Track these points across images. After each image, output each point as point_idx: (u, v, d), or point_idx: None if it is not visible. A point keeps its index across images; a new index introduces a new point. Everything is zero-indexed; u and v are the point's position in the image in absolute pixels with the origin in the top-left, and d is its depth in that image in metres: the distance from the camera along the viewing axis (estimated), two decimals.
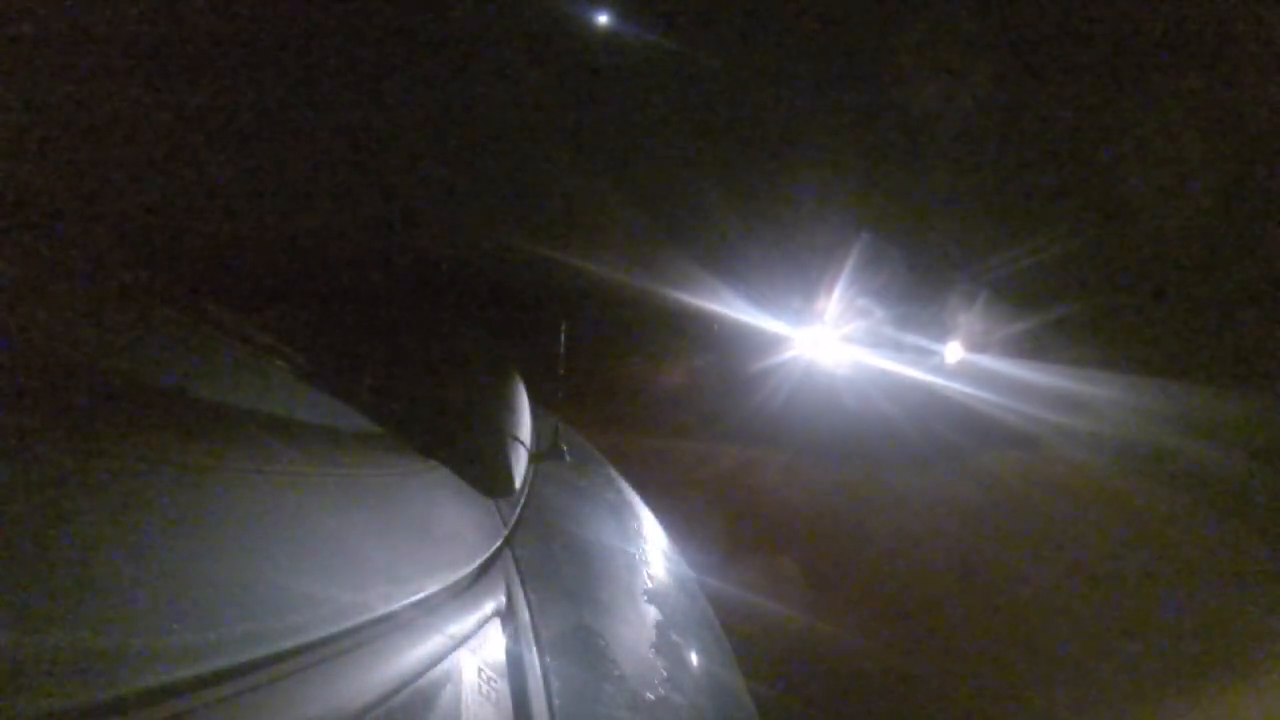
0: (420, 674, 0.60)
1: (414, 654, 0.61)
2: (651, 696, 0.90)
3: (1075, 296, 6.92)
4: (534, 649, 0.76)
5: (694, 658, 1.04)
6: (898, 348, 7.15)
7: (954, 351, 7.27)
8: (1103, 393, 6.36)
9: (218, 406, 0.81)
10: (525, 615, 0.80)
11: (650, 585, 1.13)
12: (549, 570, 0.96)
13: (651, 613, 1.07)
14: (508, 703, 0.68)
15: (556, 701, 0.72)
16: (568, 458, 1.41)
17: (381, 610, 0.61)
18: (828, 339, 7.43)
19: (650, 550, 1.24)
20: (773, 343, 7.56)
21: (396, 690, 0.57)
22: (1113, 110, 6.30)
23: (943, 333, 7.24)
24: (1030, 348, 6.96)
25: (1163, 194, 6.40)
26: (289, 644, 0.52)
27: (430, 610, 0.67)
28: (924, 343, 7.18)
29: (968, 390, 6.73)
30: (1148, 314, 6.89)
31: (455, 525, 0.87)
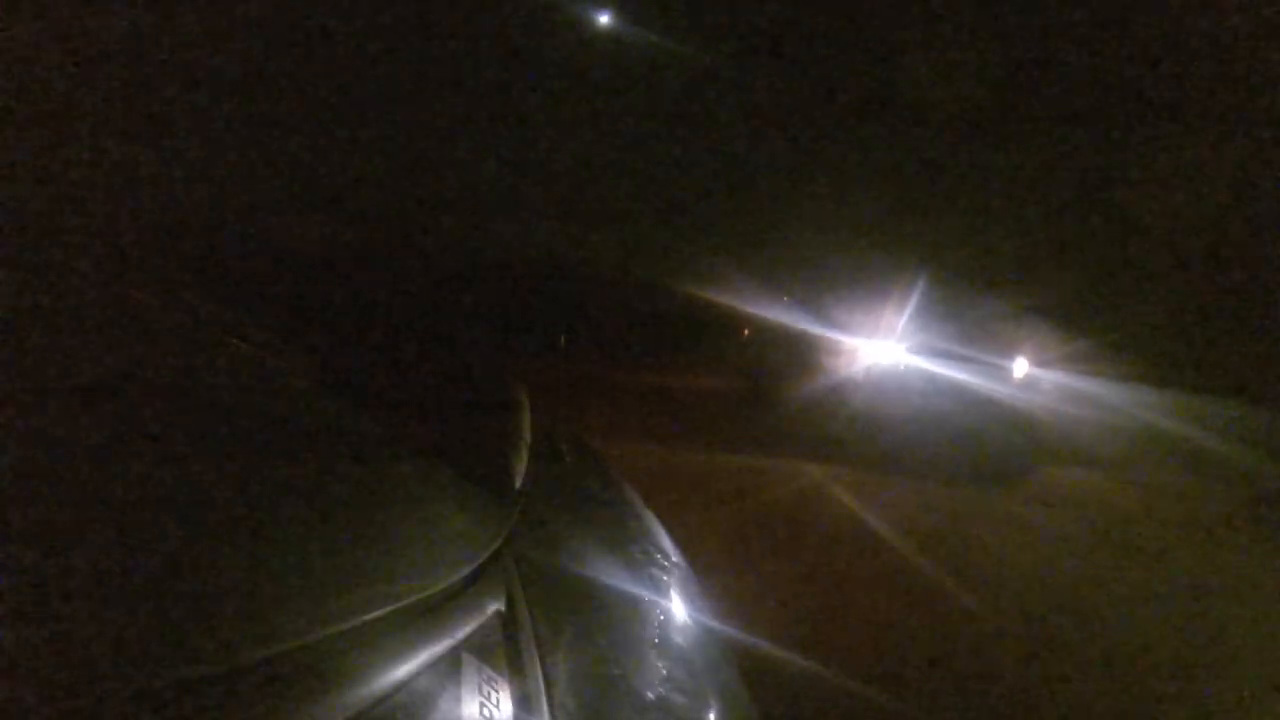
0: (420, 674, 0.60)
1: (414, 654, 0.61)
2: (652, 696, 0.90)
3: (1139, 317, 6.87)
4: (534, 649, 0.76)
5: (695, 657, 1.04)
6: (965, 361, 7.02)
7: (1020, 366, 7.17)
8: (1166, 409, 6.18)
9: (217, 406, 0.81)
10: (525, 615, 0.80)
11: (651, 585, 1.13)
12: (549, 570, 0.96)
13: (653, 612, 1.06)
14: (508, 703, 0.68)
15: (557, 702, 0.72)
16: (568, 459, 1.41)
17: (380, 610, 0.61)
18: (896, 352, 7.28)
19: (651, 550, 1.24)
20: (842, 355, 7.37)
21: (396, 690, 0.57)
22: (1179, 155, 6.33)
23: (1009, 348, 7.12)
24: (1094, 364, 6.85)
25: (1225, 221, 6.39)
26: (288, 644, 0.52)
27: (430, 610, 0.67)
28: (991, 357, 7.05)
29: (1033, 404, 6.61)
30: (1215, 335, 6.78)
31: (455, 525, 0.87)
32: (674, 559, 1.23)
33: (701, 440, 5.40)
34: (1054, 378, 6.84)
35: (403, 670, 0.58)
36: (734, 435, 5.74)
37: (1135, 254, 6.86)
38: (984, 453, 5.71)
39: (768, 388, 7.08)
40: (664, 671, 0.96)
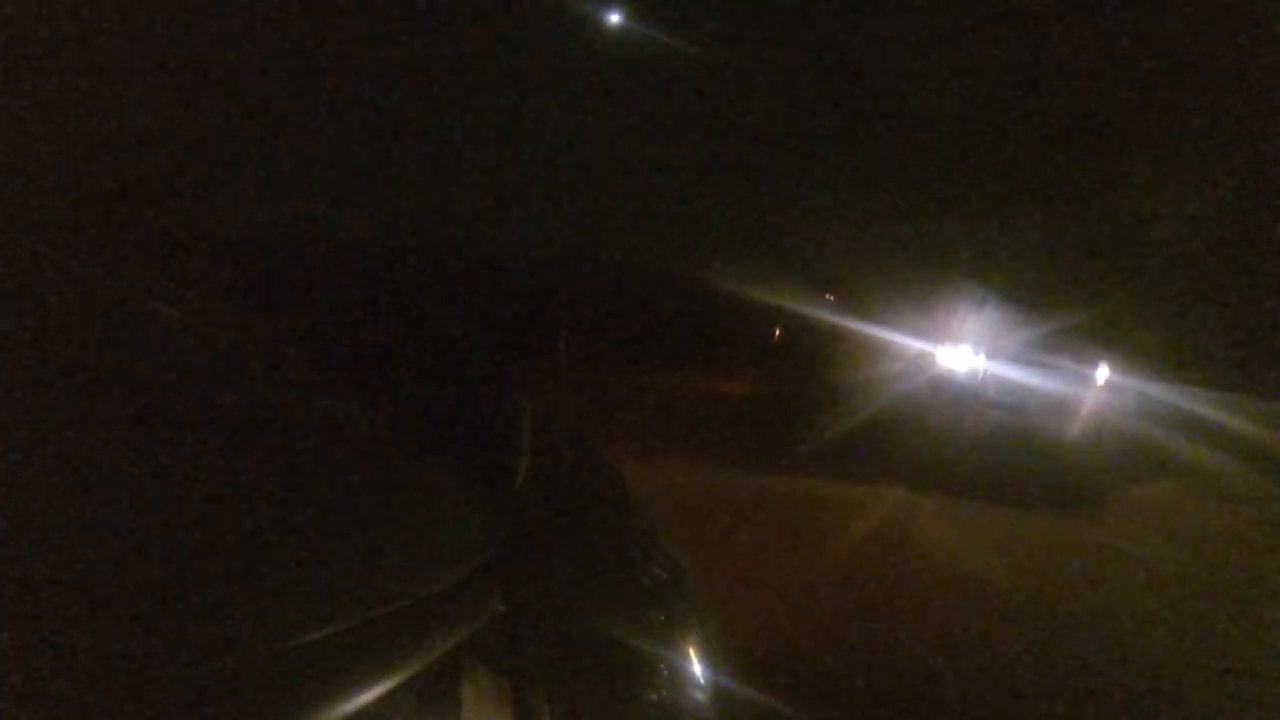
0: (421, 674, 0.60)
1: (414, 655, 0.60)
2: (654, 697, 0.90)
3: (1225, 321, 6.54)
4: (534, 648, 0.76)
5: (695, 656, 1.04)
6: (1046, 368, 6.55)
7: (1103, 373, 6.73)
8: (1252, 417, 5.76)
9: (214, 403, 0.81)
10: (525, 614, 0.80)
11: (650, 583, 1.13)
12: (549, 569, 0.96)
13: (653, 612, 1.06)
14: (508, 704, 0.68)
15: (557, 703, 0.72)
16: (569, 458, 1.41)
17: (381, 609, 0.61)
18: (971, 358, 6.77)
19: (650, 549, 1.24)
20: (909, 362, 6.86)
21: (397, 690, 0.57)
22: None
23: (1091, 353, 6.68)
24: (1178, 370, 6.47)
25: None
26: (288, 643, 0.52)
27: (430, 611, 0.67)
28: (1073, 364, 6.62)
29: (1117, 413, 6.22)
30: None
31: (455, 525, 0.86)
32: (675, 560, 1.22)
33: (746, 458, 4.68)
34: (1137, 385, 6.43)
35: (402, 672, 0.58)
36: (784, 452, 5.01)
37: (1219, 257, 6.57)
38: (1070, 469, 5.28)
39: (814, 395, 6.49)
40: (665, 670, 0.96)
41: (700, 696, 0.99)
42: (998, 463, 5.27)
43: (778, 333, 7.44)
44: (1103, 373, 6.66)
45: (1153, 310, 6.77)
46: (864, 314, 6.91)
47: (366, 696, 0.54)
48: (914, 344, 6.89)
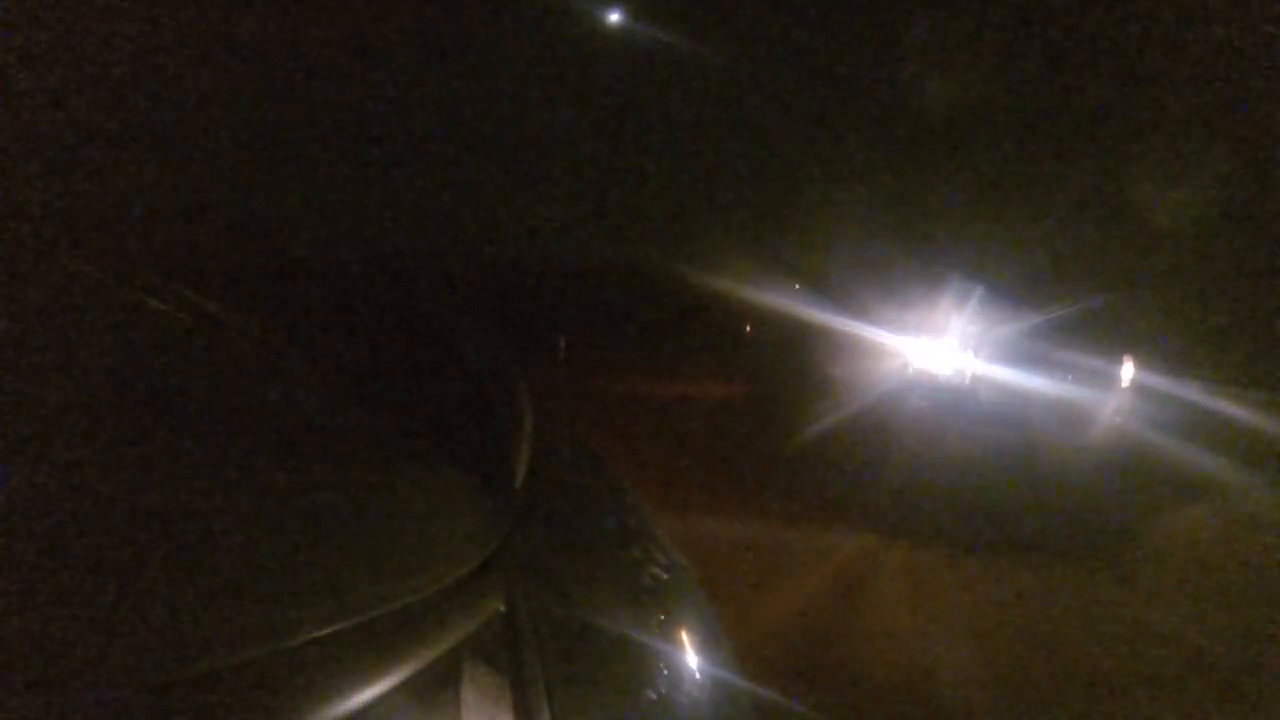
0: (420, 674, 0.60)
1: (413, 655, 0.60)
2: (654, 696, 0.90)
3: (1268, 317, 5.63)
4: (534, 649, 0.76)
5: (695, 656, 1.04)
6: (1055, 368, 5.38)
7: (1127, 371, 5.50)
8: None
9: (212, 400, 0.81)
10: (525, 615, 0.80)
11: (650, 583, 1.13)
12: (550, 569, 0.96)
13: (653, 611, 1.06)
14: (508, 703, 0.68)
15: (557, 702, 0.72)
16: (568, 457, 1.41)
17: (380, 609, 0.61)
18: (960, 358, 5.54)
19: (650, 548, 1.24)
20: (885, 360, 5.78)
21: (396, 690, 0.57)
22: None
23: (1113, 348, 5.51)
24: (1217, 367, 5.42)
25: None
26: (285, 643, 0.52)
27: (430, 610, 0.67)
28: (1086, 360, 5.44)
29: (1143, 421, 5.14)
30: None
31: (455, 524, 0.86)
32: (675, 559, 1.23)
33: (688, 493, 3.79)
34: (1170, 386, 5.35)
35: (401, 672, 0.58)
36: (734, 480, 4.22)
37: (1265, 237, 5.62)
38: (1084, 499, 4.34)
39: (779, 401, 5.73)
40: (665, 670, 0.96)
41: (700, 696, 0.99)
42: (989, 494, 4.30)
43: (749, 329, 7.00)
44: (1128, 371, 5.51)
45: (1185, 298, 5.84)
46: (839, 305, 6.02)
47: (366, 696, 0.54)
48: (893, 339, 5.87)
